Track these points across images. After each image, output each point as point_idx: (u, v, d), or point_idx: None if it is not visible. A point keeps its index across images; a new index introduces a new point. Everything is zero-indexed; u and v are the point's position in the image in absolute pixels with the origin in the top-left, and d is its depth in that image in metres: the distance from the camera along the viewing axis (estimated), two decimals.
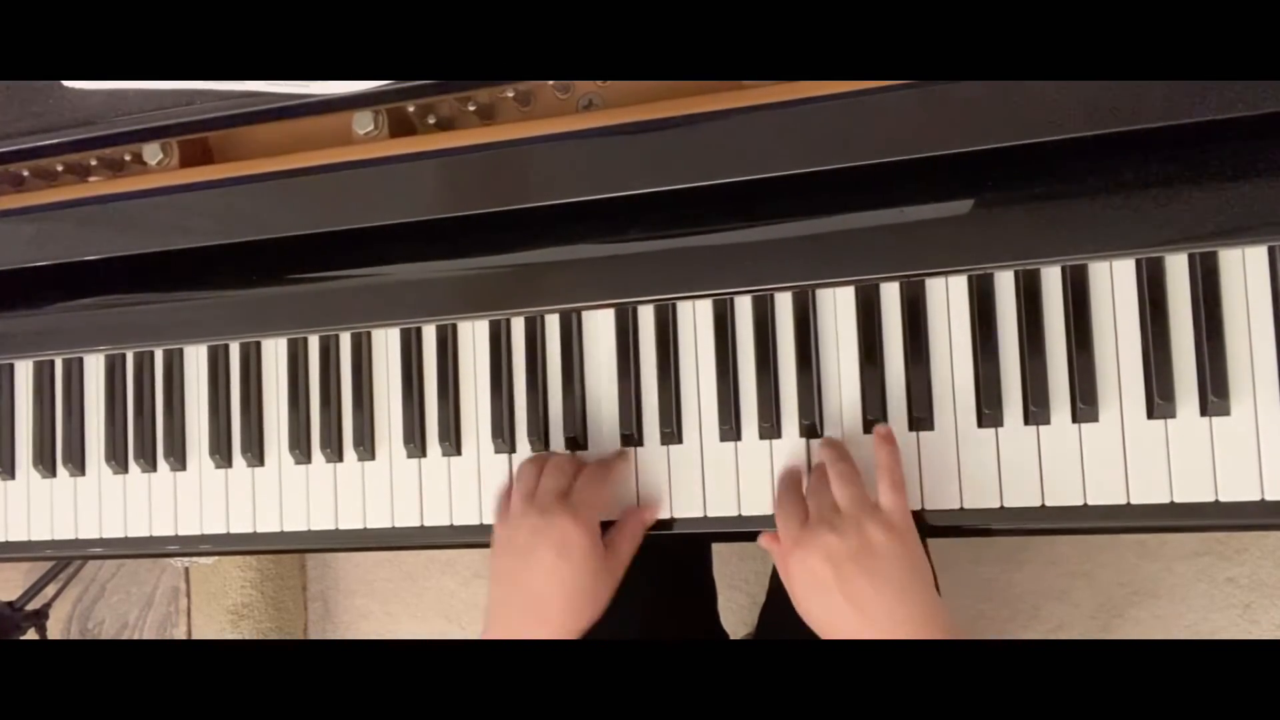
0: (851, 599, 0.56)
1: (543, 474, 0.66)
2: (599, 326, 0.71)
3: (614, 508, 0.69)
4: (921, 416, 0.64)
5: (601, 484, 0.67)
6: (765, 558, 0.90)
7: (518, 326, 0.72)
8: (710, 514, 0.68)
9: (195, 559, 1.52)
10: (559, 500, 0.64)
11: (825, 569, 0.57)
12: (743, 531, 0.68)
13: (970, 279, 0.64)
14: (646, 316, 0.70)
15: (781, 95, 0.55)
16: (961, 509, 0.64)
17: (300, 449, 0.76)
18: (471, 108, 0.63)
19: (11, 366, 0.84)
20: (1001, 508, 0.63)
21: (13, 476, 0.84)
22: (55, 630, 1.55)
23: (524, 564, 0.64)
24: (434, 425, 0.74)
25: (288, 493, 0.77)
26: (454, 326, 0.73)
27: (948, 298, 0.65)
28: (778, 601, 0.86)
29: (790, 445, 0.67)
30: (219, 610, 1.55)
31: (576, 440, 0.71)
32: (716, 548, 0.99)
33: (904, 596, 0.57)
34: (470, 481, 0.73)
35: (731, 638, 0.93)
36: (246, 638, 1.52)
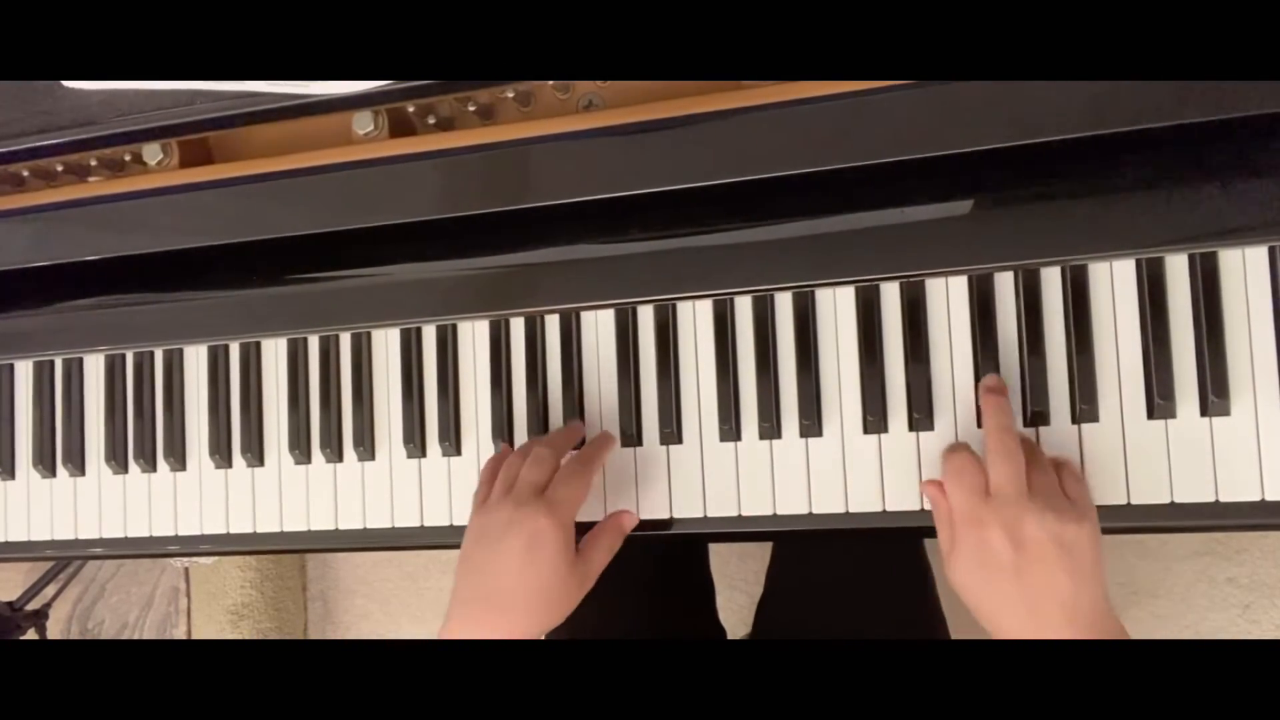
0: (1025, 587, 0.54)
1: (524, 465, 0.64)
2: (599, 326, 0.71)
3: (594, 505, 0.68)
4: (921, 416, 0.64)
5: (580, 479, 0.65)
6: (765, 557, 0.90)
7: (518, 326, 0.72)
8: (710, 514, 0.68)
9: (195, 559, 1.53)
10: (536, 494, 0.62)
11: (1007, 550, 0.54)
12: (742, 531, 0.68)
13: (970, 279, 0.64)
14: (646, 316, 0.70)
15: (781, 95, 0.55)
16: None
17: (300, 449, 0.76)
18: (471, 108, 0.63)
19: (11, 366, 0.84)
20: None
21: (13, 476, 0.84)
22: (55, 630, 1.55)
23: (492, 554, 0.62)
24: (434, 425, 0.74)
25: (288, 493, 0.77)
26: (454, 326, 0.73)
27: (948, 298, 0.65)
28: (774, 598, 0.86)
29: (790, 445, 0.67)
30: (219, 610, 1.55)
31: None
32: (715, 547, 0.99)
33: (1080, 595, 0.54)
34: (470, 481, 0.73)
35: (730, 637, 0.93)
36: (246, 638, 1.52)
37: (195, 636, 1.59)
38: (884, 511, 0.65)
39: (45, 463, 0.83)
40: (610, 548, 0.66)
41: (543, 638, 0.63)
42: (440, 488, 0.73)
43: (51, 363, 0.83)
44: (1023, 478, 0.55)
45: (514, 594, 0.61)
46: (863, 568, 0.79)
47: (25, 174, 0.69)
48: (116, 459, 0.80)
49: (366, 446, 0.75)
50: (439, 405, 0.73)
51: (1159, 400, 0.61)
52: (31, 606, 1.28)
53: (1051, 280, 0.63)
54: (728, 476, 0.68)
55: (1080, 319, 0.62)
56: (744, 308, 0.68)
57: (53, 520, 0.83)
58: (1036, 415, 0.62)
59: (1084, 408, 0.62)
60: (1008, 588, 0.54)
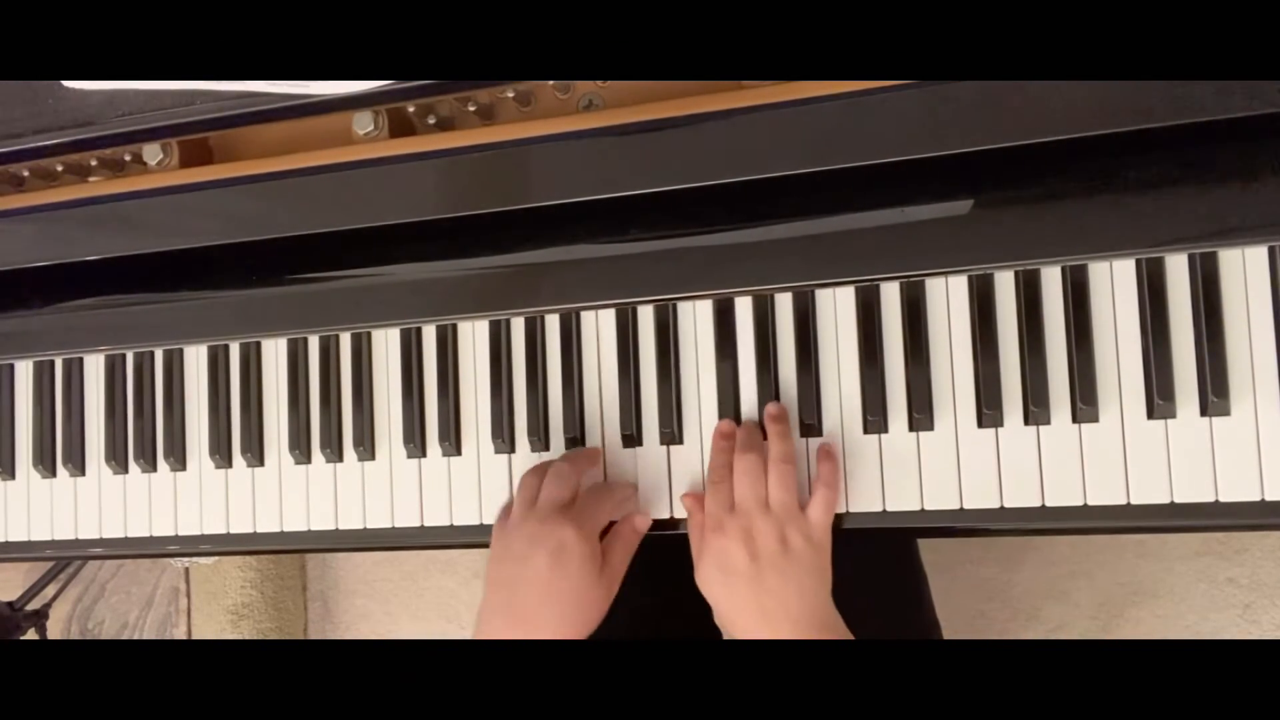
0: (755, 588, 0.60)
1: (544, 483, 0.66)
2: (599, 326, 0.71)
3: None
4: (921, 416, 0.64)
5: (606, 496, 0.67)
6: None
7: (518, 326, 0.72)
8: None
9: (195, 559, 1.52)
10: (559, 509, 0.64)
11: (743, 561, 0.60)
12: None
13: (970, 279, 0.64)
14: (646, 316, 0.70)
15: (781, 95, 0.55)
16: (961, 509, 0.64)
17: (300, 449, 0.76)
18: (471, 108, 0.63)
19: (11, 366, 0.84)
20: (1001, 508, 0.63)
21: (13, 476, 0.84)
22: (55, 630, 1.55)
23: (519, 571, 0.63)
24: (434, 425, 0.74)
25: (288, 493, 0.77)
26: (454, 326, 0.73)
27: (948, 298, 0.65)
28: None
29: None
30: (219, 610, 1.55)
31: (576, 440, 0.71)
32: None
33: (805, 595, 0.60)
34: (470, 481, 0.73)
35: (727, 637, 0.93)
36: (246, 638, 1.52)
37: (195, 636, 1.59)
38: (884, 511, 0.65)
39: (45, 463, 0.83)
40: (628, 551, 0.67)
41: None
42: (440, 488, 0.73)
43: (51, 363, 0.83)
44: (763, 496, 0.62)
45: (544, 606, 0.62)
46: (859, 568, 0.79)
47: (25, 174, 0.69)
48: (116, 459, 0.80)
49: (366, 446, 0.75)
50: (439, 405, 0.73)
51: (1159, 400, 0.61)
52: (31, 606, 1.28)
53: (1051, 280, 0.63)
54: None
55: (1080, 319, 0.62)
56: (744, 308, 0.68)
57: (53, 520, 0.83)
58: (1036, 415, 0.62)
59: (1084, 408, 0.62)
60: (744, 591, 0.60)
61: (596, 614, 0.64)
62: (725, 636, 0.62)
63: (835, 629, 0.61)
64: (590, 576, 0.63)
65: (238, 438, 0.78)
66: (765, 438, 0.66)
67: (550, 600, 0.62)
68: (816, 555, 0.61)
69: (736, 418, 0.68)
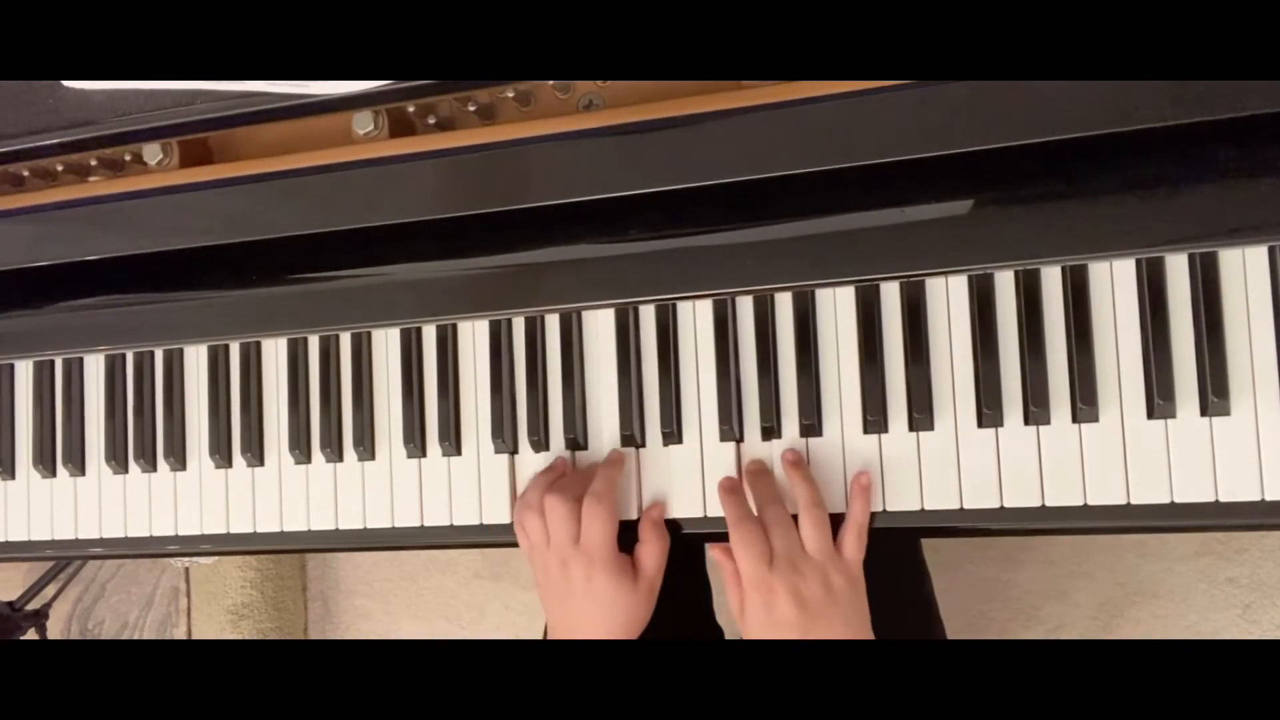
0: (805, 636, 0.60)
1: (552, 521, 0.66)
2: (599, 326, 0.71)
3: (621, 510, 0.69)
4: (921, 416, 0.64)
5: (604, 511, 0.65)
6: None
7: (518, 326, 0.72)
8: (710, 514, 0.68)
9: (195, 559, 1.52)
10: (572, 546, 0.65)
11: (791, 611, 0.60)
12: None
13: (970, 279, 0.64)
14: (647, 316, 0.70)
15: (781, 95, 0.55)
16: (961, 509, 0.64)
17: (300, 449, 0.76)
18: (471, 108, 0.63)
19: (11, 366, 0.84)
20: (1001, 508, 0.63)
21: (13, 476, 0.84)
22: (55, 630, 1.55)
23: (560, 608, 0.67)
24: (434, 425, 0.74)
25: (288, 493, 0.77)
26: (454, 326, 0.73)
27: (948, 298, 0.65)
28: None
29: (790, 445, 0.67)
30: (219, 610, 1.55)
31: (576, 440, 0.71)
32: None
33: (854, 636, 0.61)
34: (470, 481, 0.73)
35: (728, 637, 0.93)
36: (246, 638, 1.52)
37: (195, 636, 1.59)
38: (884, 511, 0.65)
39: (45, 463, 0.83)
40: (657, 543, 0.67)
41: None
42: (440, 488, 0.73)
43: (51, 363, 0.83)
44: (797, 543, 0.62)
45: (603, 633, 0.65)
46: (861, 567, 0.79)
47: (25, 174, 0.69)
48: (117, 459, 0.80)
49: (366, 446, 0.75)
50: (439, 405, 0.73)
51: (1159, 400, 0.61)
52: (31, 606, 1.28)
53: (1051, 280, 0.63)
54: (728, 476, 0.68)
55: (1080, 319, 0.62)
56: (744, 308, 0.68)
57: (53, 520, 0.83)
58: (1036, 415, 0.62)
59: (1084, 408, 0.62)
60: (793, 638, 0.60)
61: (640, 622, 0.67)
62: None
63: None
64: (627, 594, 0.65)
65: (238, 438, 0.78)
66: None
67: (596, 630, 0.65)
68: (857, 594, 0.63)
69: (738, 417, 0.68)
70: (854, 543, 0.63)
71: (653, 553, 0.67)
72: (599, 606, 0.65)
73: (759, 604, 0.61)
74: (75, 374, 0.82)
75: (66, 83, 0.62)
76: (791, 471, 0.66)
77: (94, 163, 0.68)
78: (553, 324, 0.72)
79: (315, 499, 0.76)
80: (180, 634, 1.61)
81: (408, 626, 1.57)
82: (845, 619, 0.61)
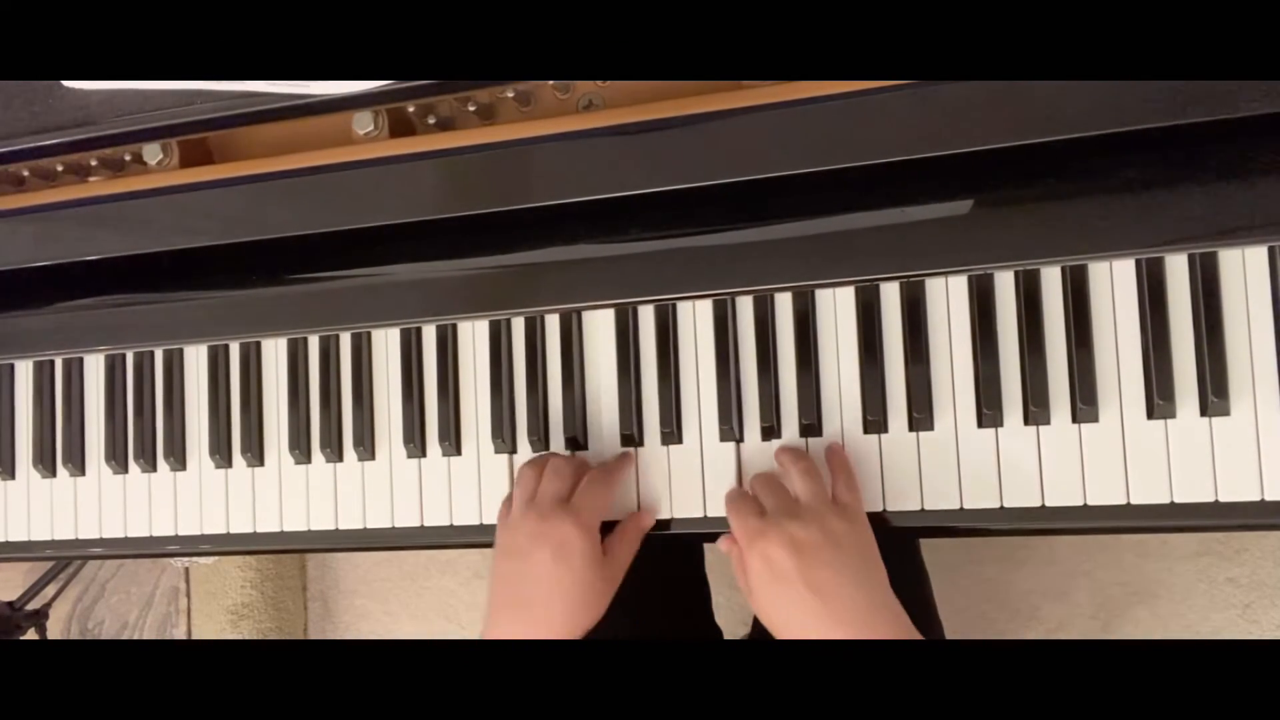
0: (813, 587, 0.56)
1: (542, 477, 0.66)
2: (599, 326, 0.71)
3: (615, 510, 0.69)
4: (921, 416, 0.64)
5: (604, 488, 0.67)
6: None
7: (518, 326, 0.72)
8: (710, 514, 0.68)
9: (195, 559, 1.52)
10: (559, 504, 0.64)
11: (787, 558, 0.56)
12: None
13: (970, 279, 0.64)
14: (646, 316, 0.70)
15: (781, 95, 0.55)
16: (961, 509, 0.64)
17: (300, 449, 0.76)
18: (471, 108, 0.63)
19: (11, 366, 0.84)
20: (1001, 508, 0.63)
21: (13, 476, 0.84)
22: (55, 630, 1.55)
23: (522, 567, 0.64)
24: (434, 425, 0.74)
25: (288, 493, 0.77)
26: (454, 326, 0.73)
27: (948, 298, 0.65)
28: None
29: (789, 445, 0.67)
30: (219, 610, 1.55)
31: (576, 440, 0.71)
32: (711, 546, 0.99)
33: (863, 586, 0.57)
34: (470, 481, 0.73)
35: (728, 637, 0.93)
36: (246, 638, 1.52)
37: (195, 636, 1.59)
38: (884, 511, 0.65)
39: (45, 463, 0.83)
40: (633, 542, 0.67)
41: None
42: (440, 488, 0.73)
43: (51, 363, 0.83)
44: (790, 498, 0.61)
45: (549, 605, 0.62)
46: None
47: (25, 174, 0.69)
48: (116, 459, 0.80)
49: (366, 446, 0.75)
50: (439, 405, 0.73)
51: (1159, 400, 0.61)
52: (31, 606, 1.28)
53: (1051, 280, 0.63)
54: (727, 476, 0.68)
55: (1080, 319, 0.62)
56: (744, 308, 0.68)
57: (53, 520, 0.83)
58: (1036, 415, 0.62)
59: (1084, 408, 0.62)
60: (799, 594, 0.56)
61: (599, 607, 0.64)
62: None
63: (900, 619, 0.58)
64: (593, 569, 0.63)
65: (238, 438, 0.78)
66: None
67: (555, 594, 0.62)
68: (860, 535, 0.59)
69: (738, 417, 0.68)
70: (844, 486, 0.62)
71: (627, 551, 0.67)
72: (569, 570, 0.62)
73: (758, 559, 0.58)
74: (75, 374, 0.82)
75: (66, 83, 0.62)
76: (781, 454, 0.66)
77: (94, 163, 0.68)
78: (552, 324, 0.72)
79: (315, 499, 0.76)
80: (180, 634, 1.61)
81: (408, 626, 1.57)
82: (853, 569, 0.57)
